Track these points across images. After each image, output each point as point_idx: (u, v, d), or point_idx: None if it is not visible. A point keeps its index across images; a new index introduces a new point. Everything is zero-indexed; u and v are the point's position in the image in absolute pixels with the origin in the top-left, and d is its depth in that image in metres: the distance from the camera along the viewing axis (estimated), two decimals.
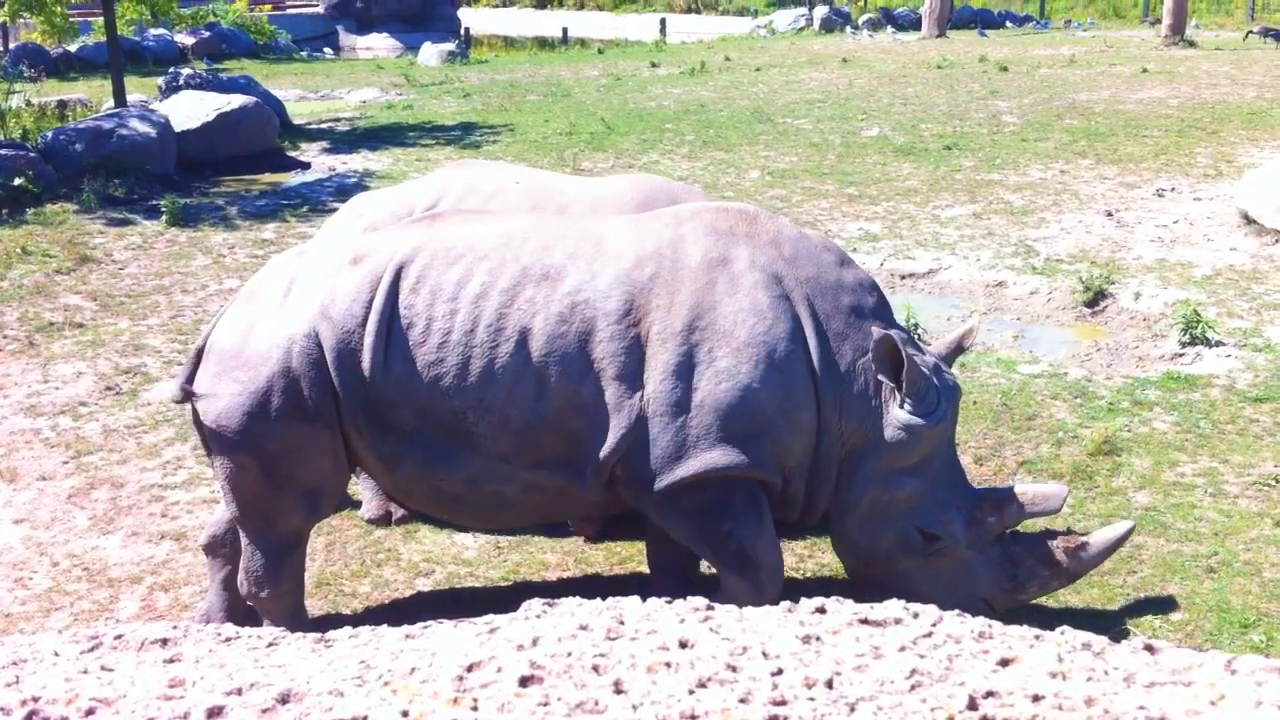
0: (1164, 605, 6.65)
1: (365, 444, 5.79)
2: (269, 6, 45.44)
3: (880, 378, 5.67)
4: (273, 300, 5.82)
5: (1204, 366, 10.08)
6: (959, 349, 6.24)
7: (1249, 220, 14.06)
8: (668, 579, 6.45)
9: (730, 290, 5.65)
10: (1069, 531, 6.12)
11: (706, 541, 5.78)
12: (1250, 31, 33.59)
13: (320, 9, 45.83)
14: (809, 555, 7.26)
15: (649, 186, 7.77)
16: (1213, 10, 43.88)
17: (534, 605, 2.34)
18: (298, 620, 6.07)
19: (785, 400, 5.59)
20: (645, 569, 7.15)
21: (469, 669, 2.00)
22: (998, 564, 5.97)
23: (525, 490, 5.80)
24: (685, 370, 5.54)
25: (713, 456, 5.56)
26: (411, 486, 5.91)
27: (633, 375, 5.56)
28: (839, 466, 5.83)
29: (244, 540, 6.01)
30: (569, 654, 2.06)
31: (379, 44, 42.49)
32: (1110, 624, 6.43)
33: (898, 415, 5.70)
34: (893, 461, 5.78)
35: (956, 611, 2.31)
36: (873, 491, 5.82)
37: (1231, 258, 13.19)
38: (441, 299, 5.66)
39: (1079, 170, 17.27)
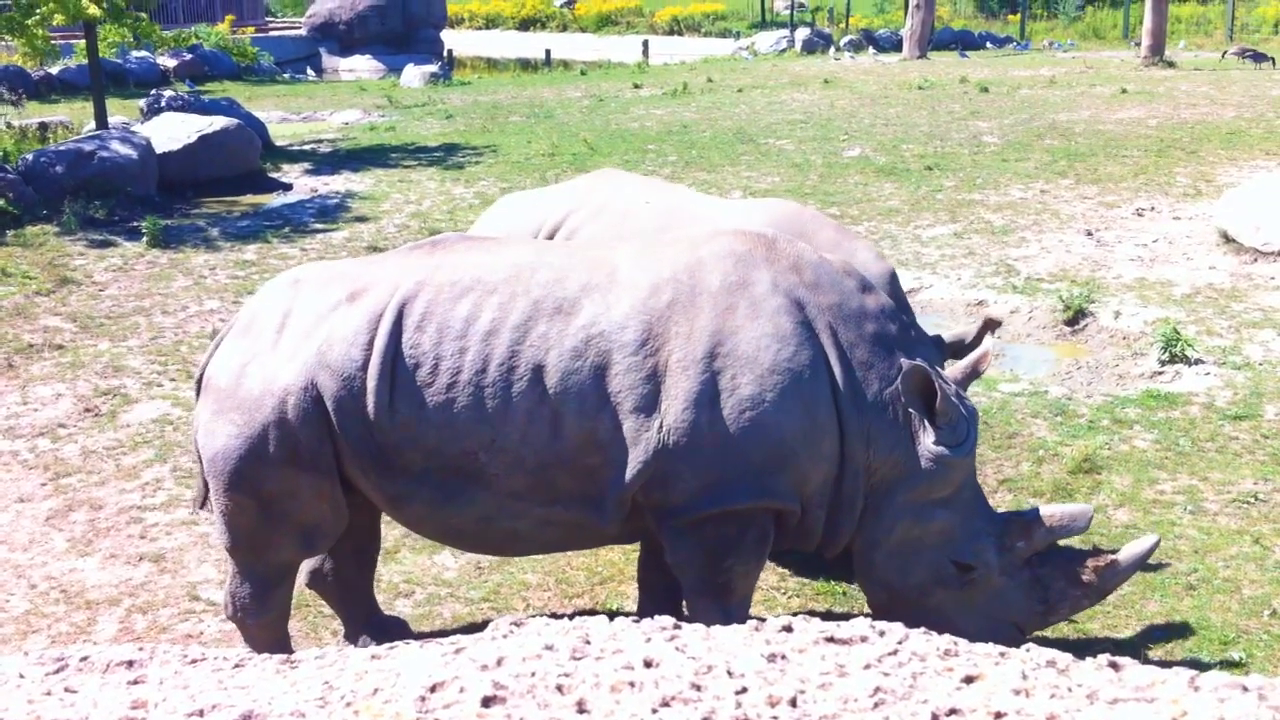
0: (1144, 622, 6.66)
1: (371, 485, 5.66)
2: (251, 29, 45.49)
3: (910, 409, 5.53)
4: (267, 336, 5.66)
5: (1183, 384, 10.11)
6: (975, 373, 6.06)
7: (1228, 239, 14.14)
8: (655, 598, 6.41)
9: (752, 315, 5.45)
10: (1095, 549, 6.04)
11: (702, 571, 5.63)
12: (1226, 52, 33.81)
13: (303, 31, 45.85)
14: (789, 574, 7.26)
15: (779, 214, 7.52)
16: (1192, 31, 44.19)
17: (501, 625, 2.32)
18: (280, 647, 6.00)
19: (809, 429, 5.42)
20: (626, 588, 7.14)
21: (432, 689, 1.98)
22: (1029, 588, 5.84)
23: (539, 526, 5.64)
24: (708, 399, 5.35)
25: (737, 489, 5.42)
26: (420, 523, 5.81)
27: (652, 406, 5.37)
28: (866, 499, 5.67)
29: (233, 567, 5.94)
30: (533, 674, 2.05)
31: (361, 66, 42.52)
32: (1088, 642, 6.44)
33: (929, 447, 5.54)
34: (924, 494, 5.63)
35: (922, 629, 2.30)
36: (904, 525, 5.67)
37: (1211, 276, 13.25)
38: (449, 336, 5.46)
39: (1059, 190, 17.35)
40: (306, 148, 22.05)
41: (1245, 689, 2.00)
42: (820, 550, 5.90)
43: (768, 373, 5.37)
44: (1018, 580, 5.82)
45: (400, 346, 5.48)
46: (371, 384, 5.46)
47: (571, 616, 2.30)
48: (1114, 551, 5.93)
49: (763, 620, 2.31)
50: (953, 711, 1.94)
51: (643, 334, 5.41)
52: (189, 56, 34.55)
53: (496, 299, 5.52)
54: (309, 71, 40.59)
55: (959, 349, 6.99)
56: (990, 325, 7.00)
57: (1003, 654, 2.15)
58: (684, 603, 5.96)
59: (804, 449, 5.44)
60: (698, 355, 5.37)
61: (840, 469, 5.58)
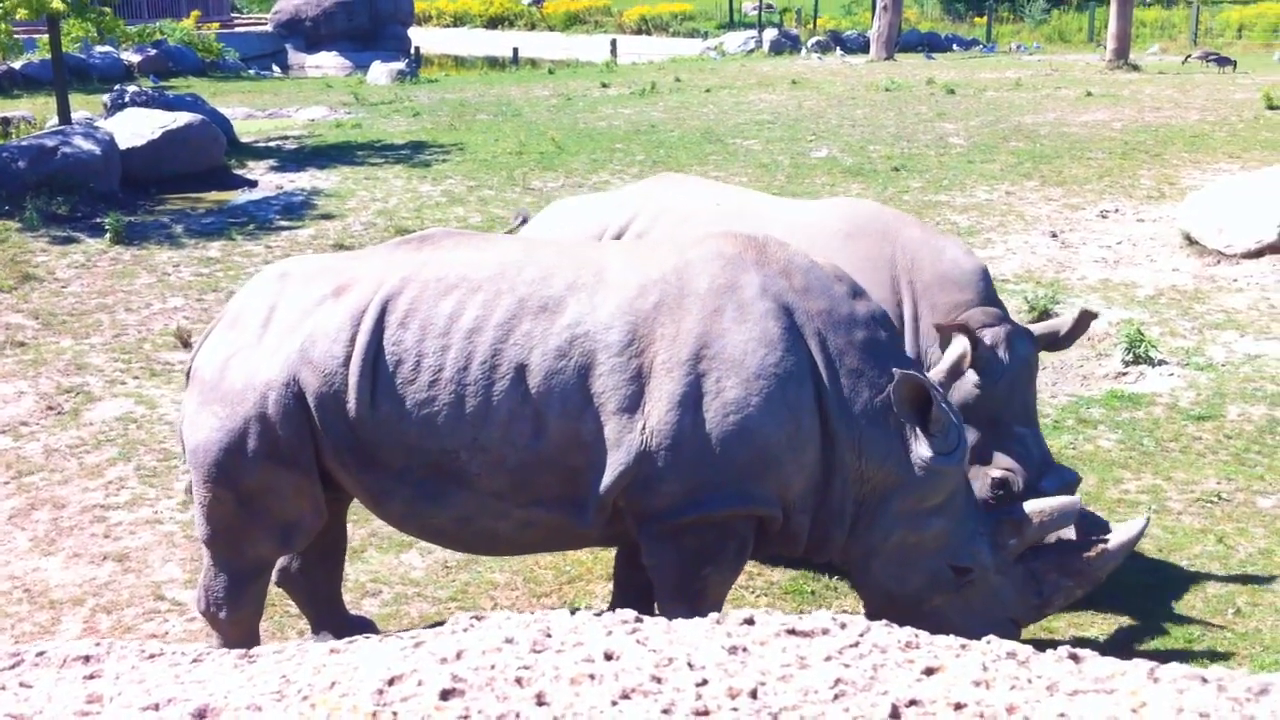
0: (1108, 621, 6.69)
1: (352, 480, 5.64)
2: (217, 24, 45.20)
3: (902, 418, 5.48)
4: (253, 330, 5.64)
5: (1147, 385, 10.19)
6: (956, 373, 6.12)
7: (1191, 241, 14.26)
8: (629, 596, 6.37)
9: (739, 319, 5.40)
10: (1086, 539, 6.05)
11: (680, 578, 5.60)
12: (1190, 56, 34.07)
13: (269, 27, 45.58)
14: (757, 574, 7.26)
15: (857, 213, 7.29)
16: (1156, 35, 44.52)
17: (461, 619, 2.30)
18: (250, 645, 5.93)
19: (793, 435, 5.38)
20: (595, 587, 7.13)
21: (390, 682, 1.96)
22: (1023, 583, 5.86)
23: (521, 527, 5.61)
24: (692, 401, 5.30)
25: (720, 495, 5.39)
26: (401, 521, 5.78)
27: (636, 408, 5.32)
28: (859, 508, 5.64)
29: (208, 560, 5.90)
30: (492, 666, 2.03)
31: (328, 62, 42.28)
32: (1055, 641, 6.47)
33: (922, 455, 5.52)
34: (919, 502, 5.61)
35: (884, 621, 2.30)
36: (899, 533, 5.65)
37: (1174, 278, 13.36)
38: (432, 334, 5.43)
39: (1024, 192, 17.44)
40: (272, 144, 21.92)
41: (1205, 680, 2.01)
42: (809, 556, 5.89)
43: (753, 377, 5.33)
44: (1012, 577, 5.84)
45: (382, 343, 5.45)
46: (353, 380, 5.43)
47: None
48: (1104, 540, 5.96)
49: (725, 614, 2.30)
50: (913, 702, 1.94)
51: (628, 335, 5.37)
52: (153, 52, 34.29)
53: (481, 296, 5.48)
54: (275, 68, 40.37)
55: (1051, 341, 6.85)
56: (1087, 318, 6.81)
57: (964, 646, 2.15)
58: (656, 604, 5.94)
59: (787, 455, 5.41)
60: (683, 357, 5.33)
61: (829, 476, 5.55)
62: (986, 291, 6.87)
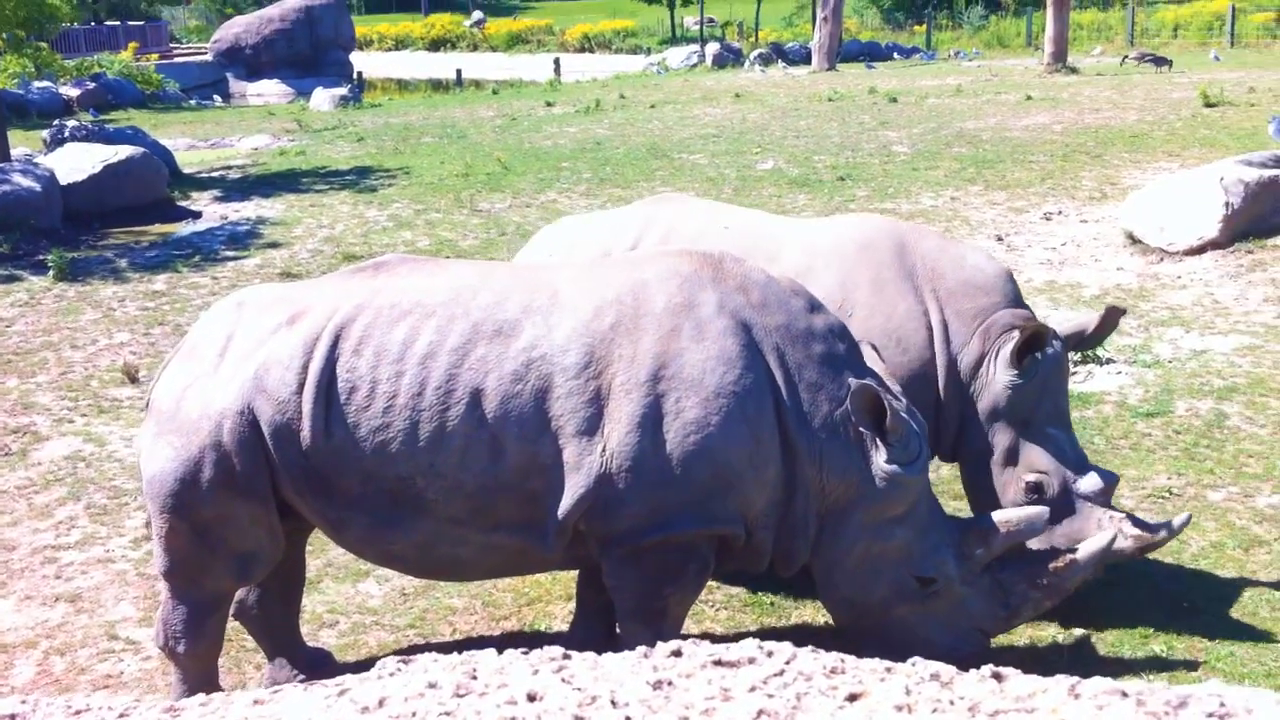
0: (1064, 619, 6.71)
1: (309, 509, 5.61)
2: (156, 56, 44.94)
3: (860, 429, 5.49)
4: (209, 359, 5.62)
5: (1096, 384, 10.28)
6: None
7: (1134, 240, 14.41)
8: (590, 616, 6.37)
9: (697, 337, 5.38)
10: (1053, 549, 6.07)
11: (641, 599, 5.60)
12: (1126, 57, 34.46)
13: (209, 56, 45.33)
14: (717, 587, 7.25)
15: (871, 229, 7.16)
16: (1094, 37, 44.99)
17: (388, 663, 2.29)
18: (208, 680, 5.92)
19: (754, 453, 5.38)
20: (554, 609, 7.09)
21: None
22: (990, 594, 5.86)
23: (482, 552, 5.58)
24: (652, 422, 5.29)
25: (682, 516, 5.37)
26: (360, 549, 5.75)
27: (594, 430, 5.30)
28: (821, 520, 5.65)
29: (166, 593, 5.85)
30: (414, 714, 2.01)
31: (270, 90, 42.09)
32: (1010, 640, 6.49)
33: (882, 466, 5.53)
34: (881, 512, 5.62)
35: (810, 648, 2.30)
36: (862, 544, 5.66)
37: (1119, 277, 13.50)
38: (386, 360, 5.40)
39: (969, 197, 17.57)
40: (215, 174, 21.78)
41: (1124, 695, 2.02)
42: (775, 570, 5.90)
43: (713, 396, 5.32)
44: (979, 587, 5.84)
45: (336, 370, 5.43)
46: (307, 408, 5.41)
47: (461, 649, 2.27)
48: (1072, 551, 5.98)
49: (652, 646, 2.30)
50: None
51: (585, 357, 5.35)
52: (92, 85, 34.02)
53: (435, 322, 5.46)
54: (216, 97, 40.15)
55: (1079, 340, 6.81)
56: (1115, 314, 6.73)
57: (888, 669, 2.15)
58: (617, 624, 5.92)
59: (749, 473, 5.41)
60: (641, 378, 5.32)
61: (790, 491, 5.56)
62: (1012, 294, 6.86)
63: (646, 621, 5.60)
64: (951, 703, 2.00)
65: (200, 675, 5.87)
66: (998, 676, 2.11)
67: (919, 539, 5.72)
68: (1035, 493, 6.44)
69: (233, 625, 6.70)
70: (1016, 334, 6.52)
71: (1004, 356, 6.52)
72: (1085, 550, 5.94)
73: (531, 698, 2.07)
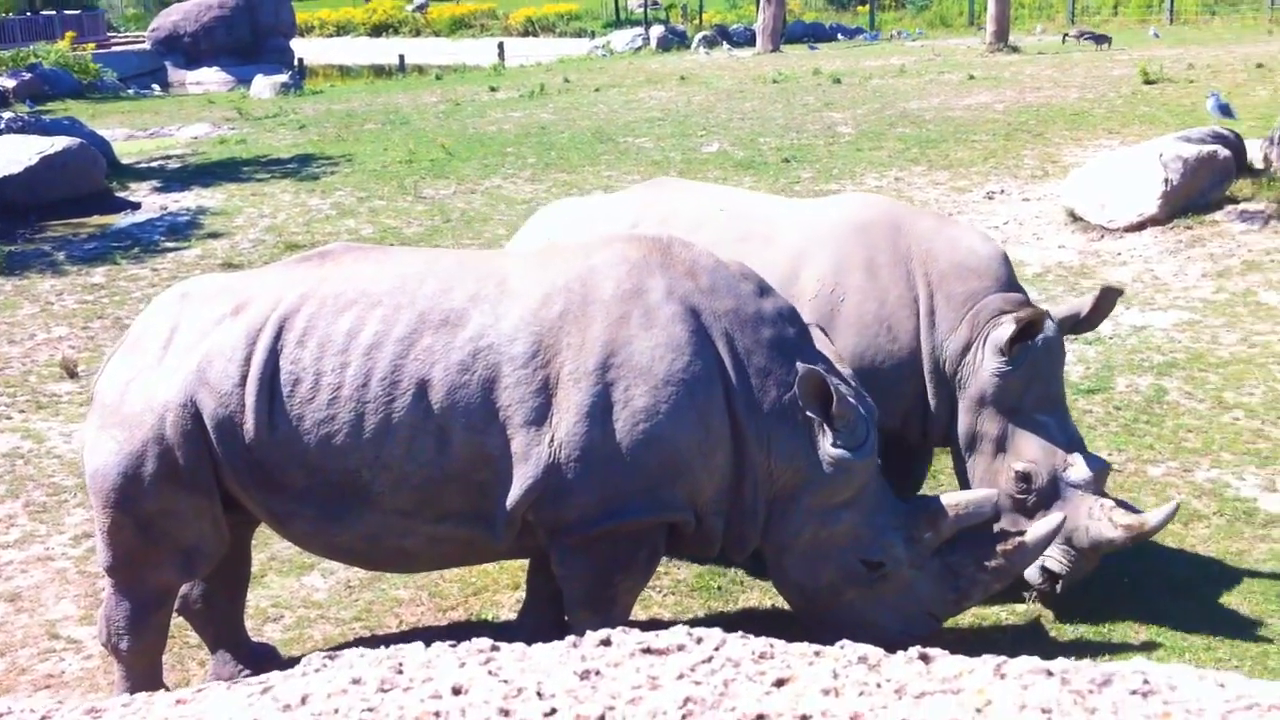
0: (1009, 599, 6.76)
1: (253, 502, 5.57)
2: (93, 45, 44.30)
3: (808, 413, 5.46)
4: (153, 352, 5.55)
5: None
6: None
7: (1075, 218, 14.54)
8: (541, 603, 6.34)
9: (646, 324, 5.36)
10: (1003, 532, 6.06)
11: (590, 587, 5.59)
12: (1066, 35, 34.72)
13: (147, 45, 44.72)
14: (664, 573, 7.25)
15: (867, 209, 7.05)
16: (1035, 16, 45.31)
17: (314, 659, 2.26)
18: (152, 678, 5.86)
19: (704, 440, 5.37)
20: (500, 598, 7.07)
21: None
22: (940, 577, 5.86)
23: (429, 544, 5.55)
24: (601, 411, 5.27)
25: (631, 505, 5.36)
26: (306, 542, 5.71)
27: (543, 420, 5.27)
28: (770, 505, 5.64)
29: (110, 589, 5.78)
30: (336, 710, 1.99)
31: (209, 78, 41.60)
32: (957, 621, 6.53)
33: (829, 450, 5.52)
34: (828, 497, 5.61)
35: (740, 634, 2.30)
36: (810, 529, 5.66)
37: (1060, 255, 13.62)
38: (331, 351, 5.35)
39: (912, 177, 17.65)
40: (154, 164, 21.51)
41: (1050, 674, 2.03)
42: (726, 555, 5.90)
43: (661, 384, 5.30)
44: (928, 571, 5.84)
45: (279, 362, 5.38)
46: (250, 400, 5.36)
47: (371, 638, 2.24)
48: (1020, 533, 5.98)
49: (582, 635, 2.29)
50: (760, 717, 1.93)
51: (533, 346, 5.32)
52: (28, 76, 33.43)
53: (380, 312, 5.41)
54: (154, 86, 39.67)
55: (1073, 323, 6.65)
56: (1111, 295, 6.59)
57: (817, 653, 2.15)
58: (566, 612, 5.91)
59: (698, 460, 5.40)
60: (590, 367, 5.29)
61: (740, 477, 5.55)
62: (1006, 277, 6.71)
63: (596, 609, 5.59)
64: (879, 685, 2.00)
65: (144, 672, 5.81)
66: (925, 658, 2.11)
67: (867, 523, 5.73)
68: (1024, 481, 6.36)
69: (177, 622, 6.63)
70: (1005, 319, 6.41)
71: (992, 342, 6.40)
72: (1033, 533, 5.94)
73: (457, 691, 2.05)
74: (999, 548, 5.90)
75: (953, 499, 5.87)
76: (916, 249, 6.72)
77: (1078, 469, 6.35)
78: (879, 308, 6.63)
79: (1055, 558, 6.43)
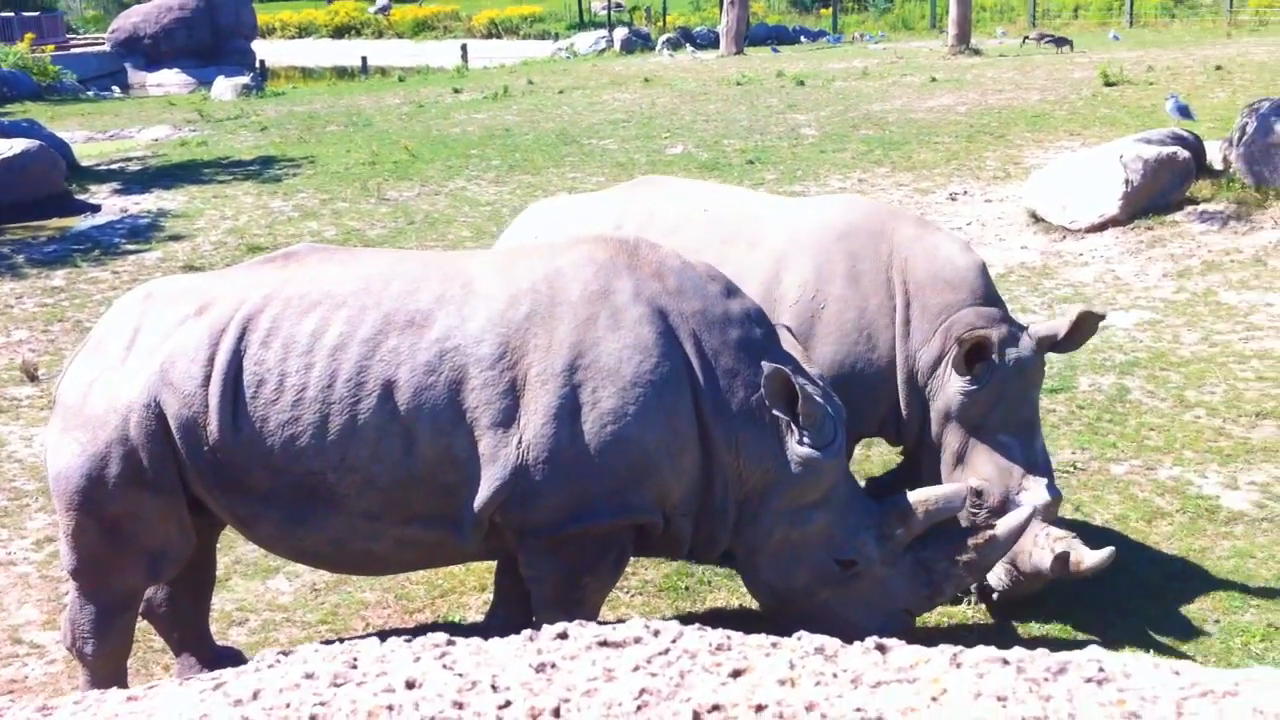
0: (972, 595, 6.77)
1: (219, 505, 5.51)
2: (52, 47, 43.92)
3: (775, 413, 5.43)
4: (116, 353, 5.49)
5: None
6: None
7: (1037, 219, 14.62)
8: (509, 604, 6.30)
9: (613, 326, 5.34)
10: (974, 526, 6.07)
11: (558, 588, 5.56)
12: (1027, 38, 34.93)
13: (106, 47, 44.33)
14: (632, 573, 7.23)
15: (852, 212, 6.98)
16: (996, 19, 45.58)
17: (267, 655, 2.24)
18: (117, 682, 5.78)
19: (671, 442, 5.35)
20: (468, 599, 7.04)
21: None
22: (912, 573, 5.85)
23: (397, 546, 5.51)
24: (568, 413, 5.24)
25: (599, 507, 5.34)
26: (272, 545, 5.67)
27: (510, 422, 5.24)
28: (740, 506, 5.62)
29: (74, 593, 5.72)
30: (287, 705, 1.97)
31: (170, 80, 41.27)
32: (924, 619, 6.54)
33: (797, 451, 5.50)
34: (798, 497, 5.59)
35: (696, 626, 2.28)
36: (780, 530, 5.64)
37: (1022, 255, 13.69)
38: (295, 352, 5.31)
39: (876, 178, 17.71)
40: (114, 167, 21.32)
41: (1005, 662, 2.03)
42: (696, 557, 5.89)
43: (629, 385, 5.28)
44: (901, 567, 5.83)
45: (243, 363, 5.33)
46: (213, 402, 5.31)
47: (336, 641, 2.22)
48: (991, 527, 5.97)
49: (538, 629, 2.27)
50: (715, 707, 1.92)
51: (500, 347, 5.29)
52: None
53: (345, 313, 5.38)
54: (114, 88, 39.31)
55: (1051, 344, 6.53)
56: (1090, 319, 6.49)
57: (774, 644, 2.14)
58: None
59: (667, 462, 5.38)
60: (557, 368, 5.27)
61: (709, 478, 5.54)
62: (983, 290, 6.60)
63: (564, 610, 5.55)
64: (835, 675, 2.00)
65: (109, 676, 5.75)
66: (881, 648, 2.11)
67: (838, 522, 5.71)
68: (977, 497, 6.32)
69: (141, 625, 6.58)
70: (977, 334, 6.38)
71: (955, 360, 6.37)
72: (1004, 526, 5.93)
73: (410, 685, 2.04)
74: (970, 541, 5.91)
75: (923, 495, 5.86)
76: (897, 257, 6.67)
77: (1032, 494, 6.29)
78: (859, 316, 6.60)
79: (997, 574, 6.42)
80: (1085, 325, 6.47)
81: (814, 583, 5.76)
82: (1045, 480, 6.39)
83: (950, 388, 6.41)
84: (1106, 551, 6.23)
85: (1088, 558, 6.23)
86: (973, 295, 6.56)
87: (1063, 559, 6.22)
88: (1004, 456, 6.37)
